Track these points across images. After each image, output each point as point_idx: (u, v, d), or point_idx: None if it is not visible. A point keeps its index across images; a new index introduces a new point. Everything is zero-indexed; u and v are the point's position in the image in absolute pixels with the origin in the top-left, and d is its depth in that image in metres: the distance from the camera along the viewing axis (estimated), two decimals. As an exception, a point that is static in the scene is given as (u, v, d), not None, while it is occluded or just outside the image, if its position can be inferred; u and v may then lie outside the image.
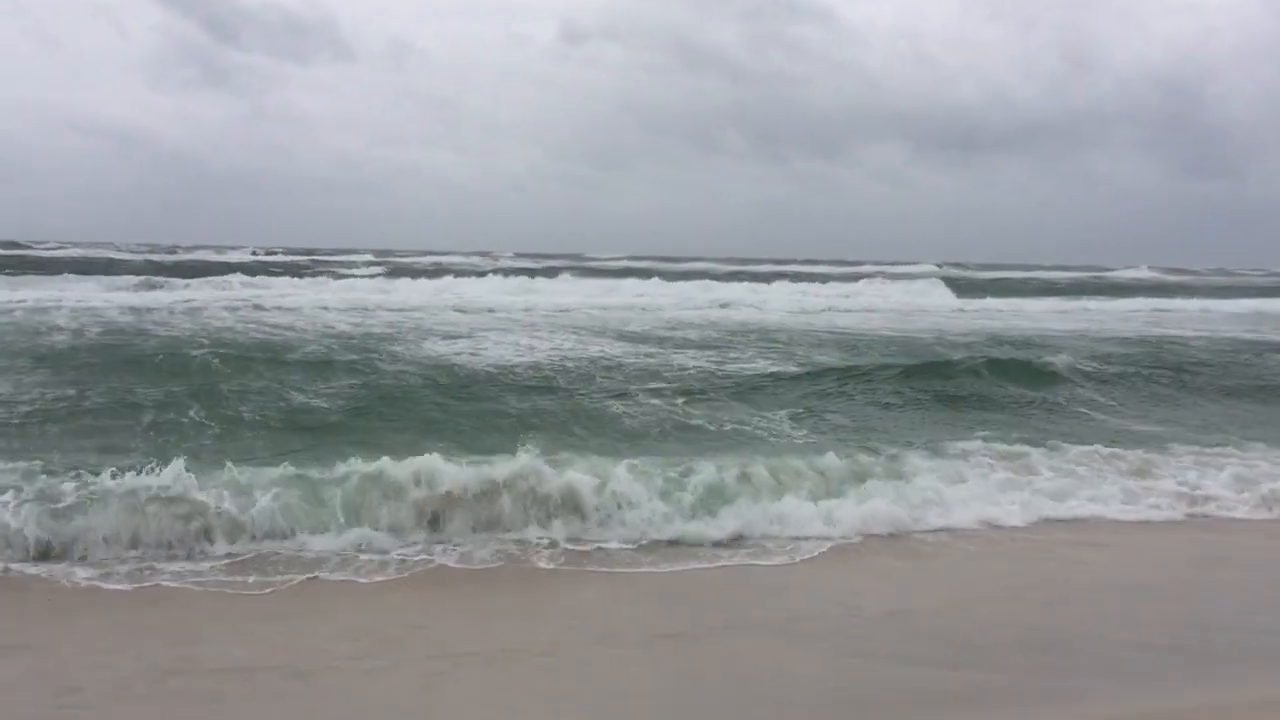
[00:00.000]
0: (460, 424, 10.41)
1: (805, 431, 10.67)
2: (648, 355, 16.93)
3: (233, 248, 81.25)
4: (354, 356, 15.12)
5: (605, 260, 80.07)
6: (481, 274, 38.46)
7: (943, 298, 37.34)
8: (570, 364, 15.20)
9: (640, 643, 5.51)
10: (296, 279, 33.83)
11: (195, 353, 14.69)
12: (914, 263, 78.58)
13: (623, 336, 20.14)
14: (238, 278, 32.05)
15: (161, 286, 28.87)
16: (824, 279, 45.50)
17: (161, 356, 14.42)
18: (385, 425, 10.22)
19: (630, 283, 38.97)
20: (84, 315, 21.30)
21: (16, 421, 9.85)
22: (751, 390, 13.12)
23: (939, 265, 75.91)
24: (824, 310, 31.45)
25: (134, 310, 22.90)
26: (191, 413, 10.43)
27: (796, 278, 47.89)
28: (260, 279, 32.87)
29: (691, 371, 14.85)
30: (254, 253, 72.70)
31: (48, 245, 78.19)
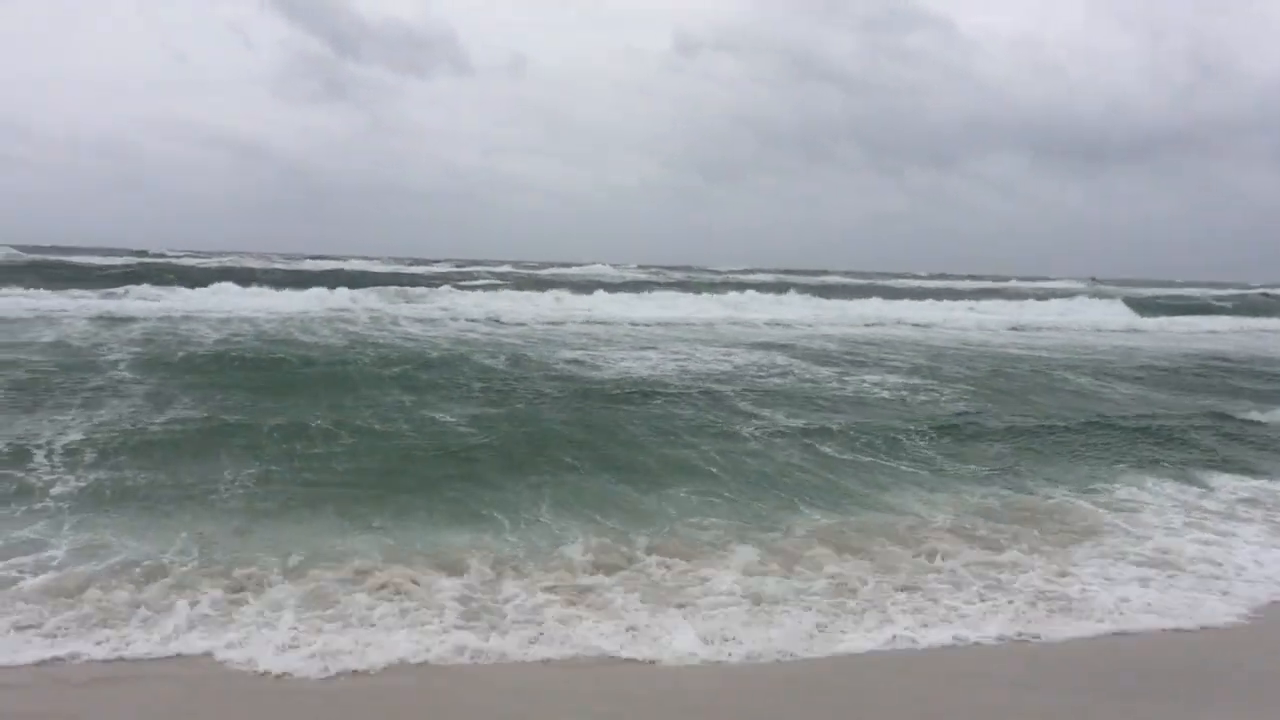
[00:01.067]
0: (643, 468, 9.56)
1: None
2: (854, 381, 16.94)
3: (371, 257, 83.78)
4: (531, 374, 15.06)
5: (729, 273, 79.39)
6: (612, 286, 38.07)
7: (1127, 317, 36.29)
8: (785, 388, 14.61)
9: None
10: (481, 291, 34.74)
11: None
12: (1054, 279, 76.34)
13: (817, 358, 20.07)
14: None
15: (414, 299, 30.26)
16: (991, 295, 44.43)
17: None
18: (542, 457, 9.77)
19: (792, 297, 37.84)
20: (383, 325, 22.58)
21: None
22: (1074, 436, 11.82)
23: (1087, 281, 73.64)
24: (1013, 330, 30.83)
25: (425, 322, 24.23)
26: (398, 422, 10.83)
27: (945, 295, 46.89)
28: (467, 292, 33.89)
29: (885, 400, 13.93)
30: (385, 262, 74.82)
31: (178, 253, 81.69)
